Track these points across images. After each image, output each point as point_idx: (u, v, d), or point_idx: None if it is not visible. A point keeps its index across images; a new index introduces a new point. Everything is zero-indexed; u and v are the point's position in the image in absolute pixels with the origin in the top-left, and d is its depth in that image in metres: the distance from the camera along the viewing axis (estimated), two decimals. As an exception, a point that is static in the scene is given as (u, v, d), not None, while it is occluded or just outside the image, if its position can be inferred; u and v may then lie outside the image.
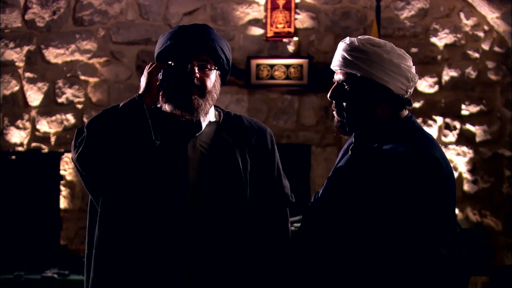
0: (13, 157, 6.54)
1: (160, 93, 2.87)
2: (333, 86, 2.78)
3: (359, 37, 2.76)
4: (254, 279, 2.90)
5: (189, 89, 2.85)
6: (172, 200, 2.81)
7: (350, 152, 2.83)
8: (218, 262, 2.84)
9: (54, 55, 7.26)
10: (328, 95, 2.78)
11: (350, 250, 2.58)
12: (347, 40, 2.75)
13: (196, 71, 2.86)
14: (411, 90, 2.78)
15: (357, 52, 2.69)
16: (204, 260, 2.83)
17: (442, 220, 2.56)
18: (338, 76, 2.76)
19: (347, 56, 2.70)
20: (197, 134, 2.92)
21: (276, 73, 7.03)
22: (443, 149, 3.05)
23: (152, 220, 2.80)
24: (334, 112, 2.79)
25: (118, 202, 2.83)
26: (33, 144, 7.24)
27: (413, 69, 2.75)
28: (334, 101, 2.78)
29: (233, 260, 2.87)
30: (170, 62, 2.87)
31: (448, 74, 7.16)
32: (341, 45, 2.76)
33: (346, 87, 2.72)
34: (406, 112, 2.79)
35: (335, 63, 2.77)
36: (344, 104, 2.74)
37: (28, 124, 7.26)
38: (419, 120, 6.72)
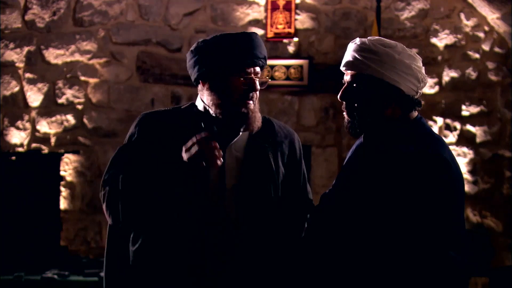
0: (13, 157, 6.52)
1: (215, 104, 2.84)
2: (344, 87, 2.76)
3: (369, 37, 2.74)
4: (279, 282, 2.91)
5: (249, 109, 2.85)
6: (210, 207, 2.80)
7: (359, 153, 2.83)
8: (251, 266, 2.83)
9: (54, 55, 7.25)
10: (339, 96, 2.76)
11: (359, 251, 2.56)
12: (358, 40, 2.73)
13: (258, 86, 2.87)
14: (421, 91, 2.77)
15: (368, 53, 2.68)
16: (239, 263, 2.82)
17: (450, 222, 2.55)
18: (348, 77, 2.75)
19: (358, 57, 2.69)
20: (234, 141, 2.90)
21: (276, 73, 7.02)
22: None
23: (190, 226, 2.78)
24: (344, 113, 2.78)
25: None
26: (33, 145, 7.23)
27: (423, 70, 2.75)
28: (344, 102, 2.77)
29: (263, 263, 2.86)
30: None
31: (448, 74, 7.16)
32: (351, 46, 2.74)
33: (357, 87, 2.71)
34: (415, 113, 2.78)
35: (345, 64, 2.75)
36: (356, 104, 2.72)
37: (28, 125, 7.25)
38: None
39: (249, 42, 2.84)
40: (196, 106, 2.95)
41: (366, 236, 2.56)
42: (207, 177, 2.79)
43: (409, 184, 2.51)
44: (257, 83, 2.85)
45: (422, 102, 2.80)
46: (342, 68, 2.78)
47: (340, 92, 2.76)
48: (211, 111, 2.86)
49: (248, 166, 2.88)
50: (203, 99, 2.91)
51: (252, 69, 2.84)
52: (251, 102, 2.84)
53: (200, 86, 2.90)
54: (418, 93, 2.76)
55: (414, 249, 2.48)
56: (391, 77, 2.66)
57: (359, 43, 2.72)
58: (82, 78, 7.25)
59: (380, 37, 2.77)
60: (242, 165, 2.87)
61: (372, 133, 2.76)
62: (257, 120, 2.88)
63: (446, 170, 2.56)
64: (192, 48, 2.91)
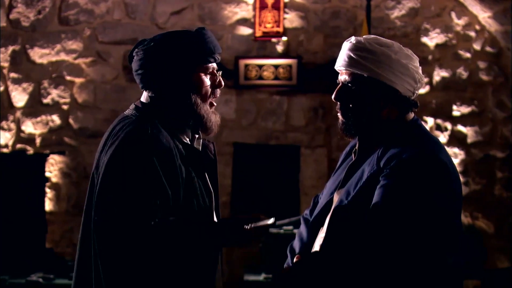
0: (-2, 158, 6.45)
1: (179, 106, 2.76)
2: (338, 87, 2.70)
3: (364, 36, 2.69)
4: None
5: (212, 111, 2.81)
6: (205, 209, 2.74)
7: (353, 155, 2.76)
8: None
9: (39, 55, 7.17)
10: (333, 96, 2.71)
11: (358, 255, 2.49)
12: (353, 39, 2.68)
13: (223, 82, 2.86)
14: (418, 92, 2.70)
15: (364, 52, 2.62)
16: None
17: (448, 226, 2.52)
18: (343, 77, 2.69)
19: (353, 56, 2.63)
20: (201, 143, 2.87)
21: (265, 73, 6.96)
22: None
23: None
24: (338, 114, 2.73)
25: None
26: (18, 146, 7.16)
27: (420, 70, 2.69)
28: (339, 103, 2.70)
29: None
30: None
31: (439, 74, 7.12)
32: (346, 45, 2.68)
33: (352, 87, 2.65)
34: (412, 115, 2.73)
35: (340, 63, 2.69)
36: (350, 105, 2.66)
37: (12, 125, 7.17)
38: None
39: (210, 37, 2.77)
40: (151, 112, 2.83)
41: (364, 240, 2.49)
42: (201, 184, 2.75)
43: (407, 187, 2.46)
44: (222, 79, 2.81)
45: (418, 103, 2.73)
46: (337, 68, 2.71)
47: (334, 93, 2.71)
48: (171, 113, 2.78)
49: (212, 167, 2.85)
50: (156, 102, 2.82)
51: (214, 64, 2.78)
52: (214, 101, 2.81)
53: (148, 91, 2.82)
54: (415, 94, 2.69)
55: (411, 254, 2.43)
56: (388, 77, 2.61)
57: (354, 42, 2.66)
58: (68, 77, 7.18)
59: (376, 36, 2.72)
60: (208, 166, 2.83)
61: (368, 134, 2.71)
62: (218, 119, 2.84)
63: (444, 172, 2.52)
64: (140, 48, 2.82)
